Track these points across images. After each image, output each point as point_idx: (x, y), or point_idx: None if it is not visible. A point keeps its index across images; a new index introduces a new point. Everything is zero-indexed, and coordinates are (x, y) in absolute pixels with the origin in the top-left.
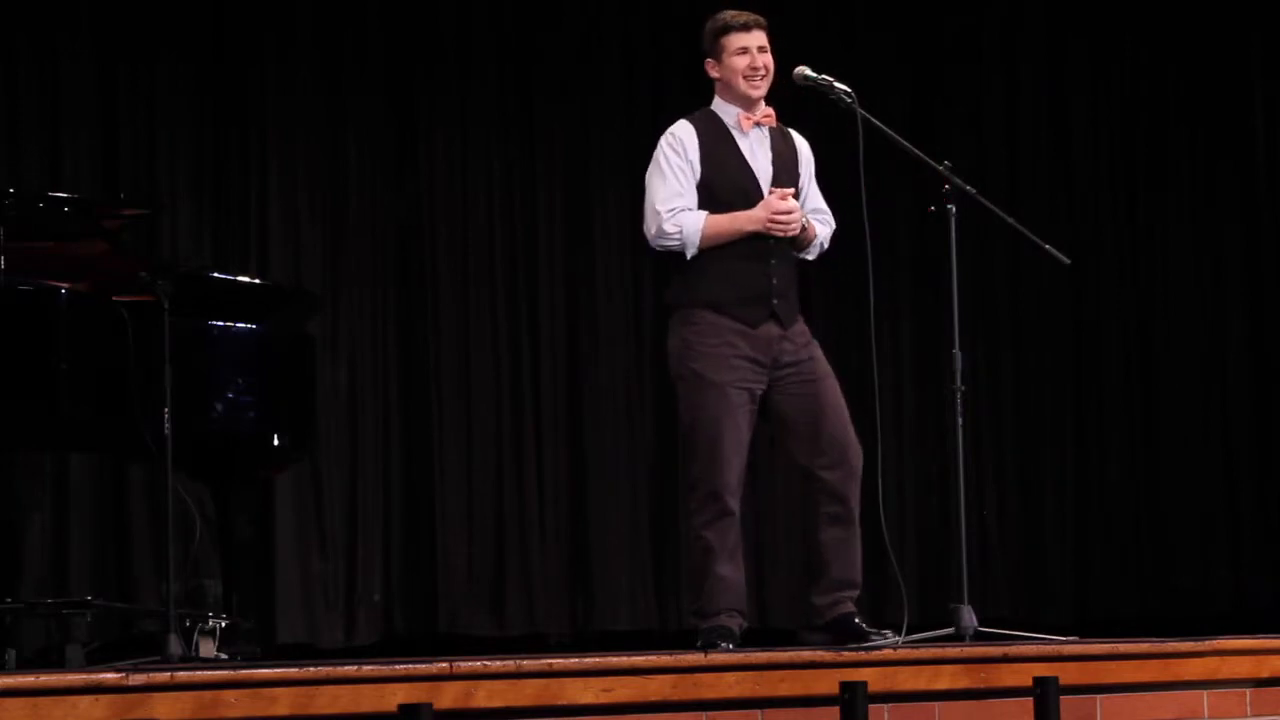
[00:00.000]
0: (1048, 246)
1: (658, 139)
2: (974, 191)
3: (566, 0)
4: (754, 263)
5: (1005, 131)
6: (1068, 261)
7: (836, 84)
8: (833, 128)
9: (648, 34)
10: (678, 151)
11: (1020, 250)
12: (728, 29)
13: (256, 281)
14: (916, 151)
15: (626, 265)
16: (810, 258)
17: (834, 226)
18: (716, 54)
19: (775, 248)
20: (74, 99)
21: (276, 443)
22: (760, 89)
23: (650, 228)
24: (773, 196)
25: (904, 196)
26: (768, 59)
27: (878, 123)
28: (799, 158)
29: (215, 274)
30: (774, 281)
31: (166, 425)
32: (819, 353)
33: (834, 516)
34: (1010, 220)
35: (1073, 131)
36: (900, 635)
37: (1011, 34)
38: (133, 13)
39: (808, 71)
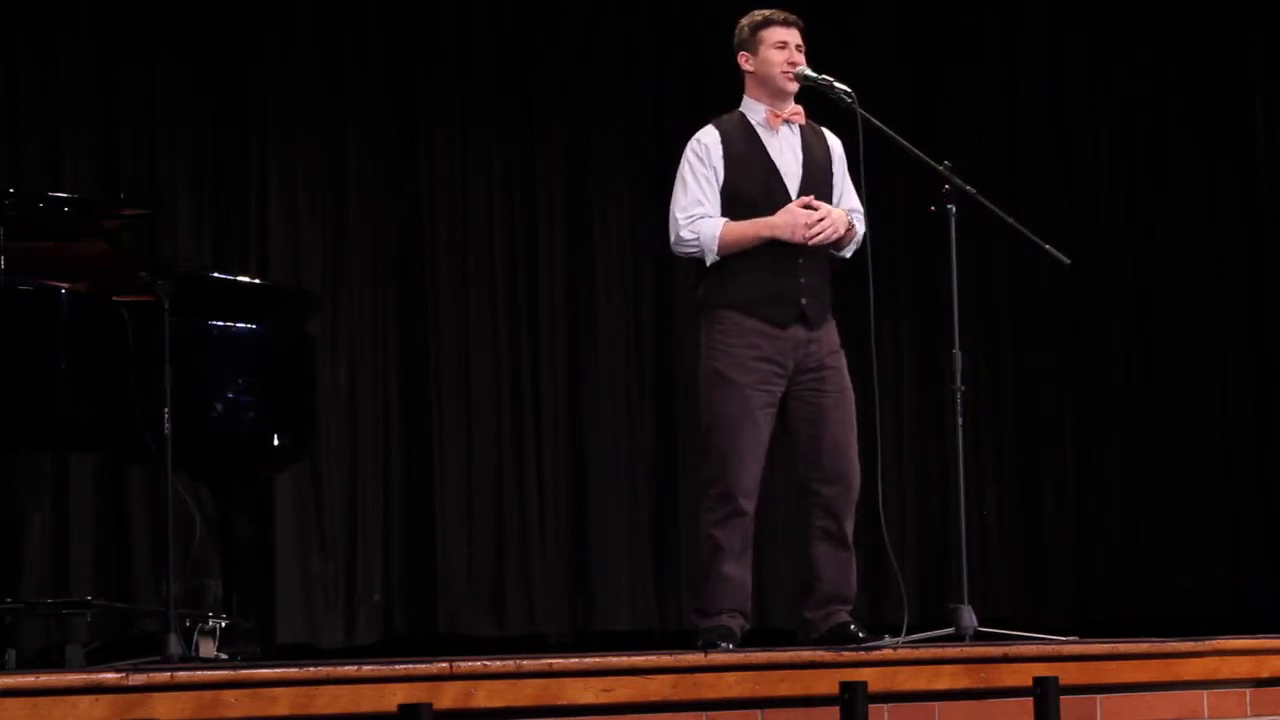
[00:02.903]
0: (1048, 246)
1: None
2: (974, 191)
3: (566, 0)
4: (783, 263)
5: (1005, 131)
6: (1068, 261)
7: (836, 84)
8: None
9: (648, 34)
10: (701, 158)
11: (1020, 250)
12: (769, 22)
13: (256, 281)
14: (916, 151)
15: (626, 265)
16: (847, 256)
17: (864, 229)
18: (753, 47)
19: (805, 247)
20: (74, 99)
21: (276, 443)
22: (794, 84)
23: (671, 234)
24: (795, 205)
25: (904, 196)
26: (802, 59)
27: (878, 123)
28: (831, 155)
29: (215, 274)
30: (802, 280)
31: (166, 425)
32: (842, 364)
33: (826, 532)
34: (1010, 220)
35: (1073, 131)
36: (900, 635)
37: (1011, 34)
38: (133, 13)
39: (808, 71)
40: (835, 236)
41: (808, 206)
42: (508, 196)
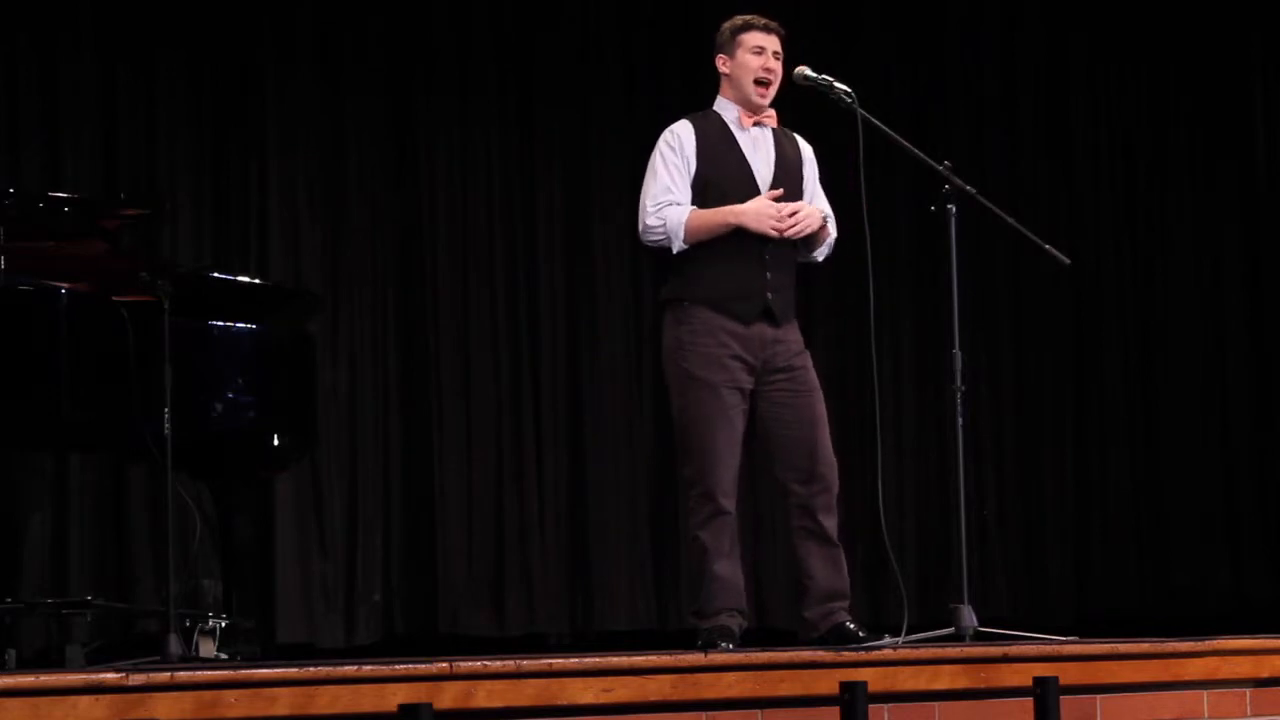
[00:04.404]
0: (1048, 246)
1: (657, 139)
2: (974, 191)
3: (566, 1)
4: (749, 258)
5: (1005, 131)
6: (1067, 261)
7: (836, 84)
8: (833, 128)
9: (647, 34)
10: (674, 148)
11: (1020, 250)
12: (749, 26)
13: (256, 281)
14: (916, 151)
15: (626, 265)
16: (819, 259)
17: (836, 232)
18: (731, 50)
19: (771, 244)
20: (74, 99)
21: (276, 442)
22: (766, 96)
23: (639, 223)
24: (766, 196)
25: (904, 196)
26: (779, 67)
27: (878, 123)
28: (802, 160)
29: (215, 274)
30: (768, 276)
31: (166, 425)
32: (809, 363)
33: (808, 531)
34: (1010, 220)
35: (1073, 131)
36: (900, 635)
37: (1011, 34)
38: (133, 13)
39: (808, 71)
40: (809, 230)
41: (779, 200)
42: (508, 196)
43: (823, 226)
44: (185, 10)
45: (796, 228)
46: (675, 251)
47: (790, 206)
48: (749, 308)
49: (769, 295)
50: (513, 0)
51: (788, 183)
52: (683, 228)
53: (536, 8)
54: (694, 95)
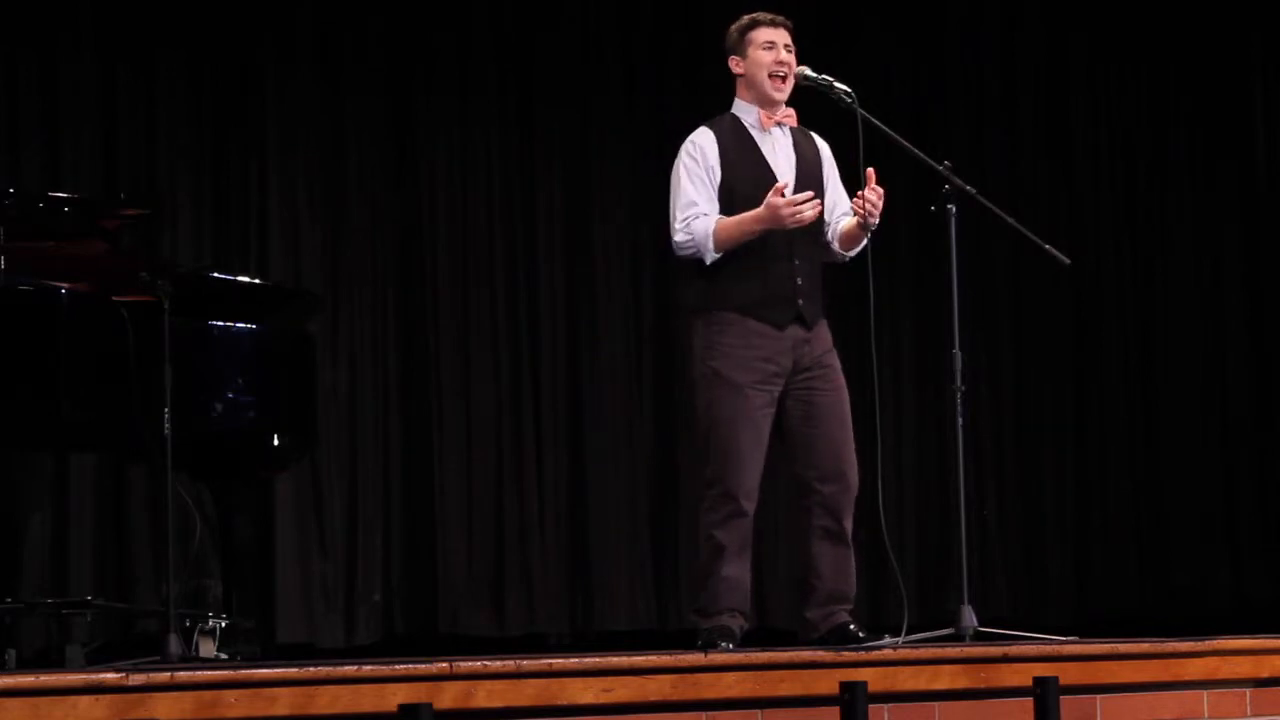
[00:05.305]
0: (1048, 246)
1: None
2: (974, 191)
3: (566, 1)
4: (779, 263)
5: (1005, 131)
6: (1068, 261)
7: (836, 84)
8: (833, 128)
9: (648, 34)
10: (695, 159)
11: (1020, 250)
12: (756, 24)
13: (256, 281)
14: (916, 151)
15: (626, 265)
16: (848, 258)
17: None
18: (742, 50)
19: (799, 248)
20: (74, 99)
21: (276, 443)
22: (783, 91)
23: (671, 238)
24: (772, 194)
25: (904, 196)
26: (792, 59)
27: (878, 123)
28: (821, 159)
29: (215, 274)
30: (799, 281)
31: (166, 425)
32: (836, 363)
33: (825, 530)
34: (1010, 220)
35: (1073, 131)
36: (900, 635)
37: (1011, 34)
38: (133, 13)
39: (808, 71)
40: (805, 222)
41: (788, 195)
42: (508, 196)
43: (868, 217)
44: (185, 10)
45: (803, 219)
46: (709, 262)
47: (802, 195)
48: (781, 313)
49: (800, 301)
50: (513, 0)
51: (809, 183)
52: (710, 238)
53: (536, 8)
54: (694, 95)
